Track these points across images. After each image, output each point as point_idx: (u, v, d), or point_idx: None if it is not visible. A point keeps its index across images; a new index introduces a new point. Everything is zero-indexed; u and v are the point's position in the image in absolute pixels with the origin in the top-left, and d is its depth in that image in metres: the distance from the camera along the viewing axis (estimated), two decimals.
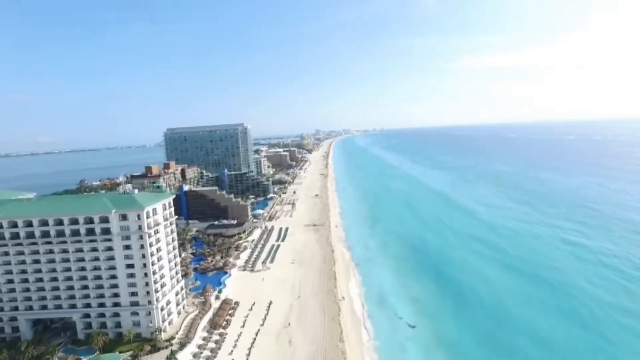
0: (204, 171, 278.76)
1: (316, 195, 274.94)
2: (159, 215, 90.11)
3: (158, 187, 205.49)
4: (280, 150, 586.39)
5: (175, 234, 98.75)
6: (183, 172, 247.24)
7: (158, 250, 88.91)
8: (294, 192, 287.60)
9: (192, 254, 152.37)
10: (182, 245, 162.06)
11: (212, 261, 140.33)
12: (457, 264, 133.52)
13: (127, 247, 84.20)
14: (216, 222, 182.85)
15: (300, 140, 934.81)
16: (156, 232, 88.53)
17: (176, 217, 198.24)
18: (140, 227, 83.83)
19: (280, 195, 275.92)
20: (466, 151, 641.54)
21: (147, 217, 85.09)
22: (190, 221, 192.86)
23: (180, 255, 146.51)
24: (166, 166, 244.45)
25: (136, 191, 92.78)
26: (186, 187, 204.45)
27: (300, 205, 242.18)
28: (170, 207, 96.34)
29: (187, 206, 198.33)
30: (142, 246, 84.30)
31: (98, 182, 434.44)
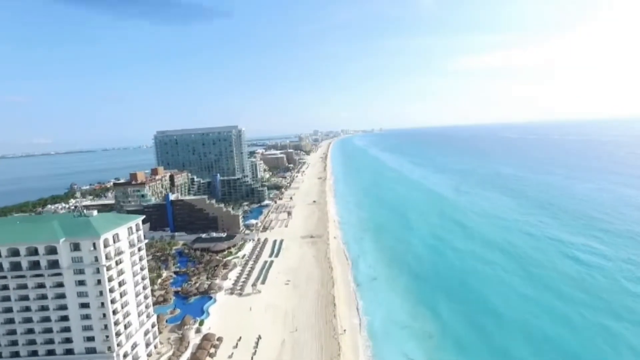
0: (195, 177, 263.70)
1: (314, 201, 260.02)
2: (122, 242, 75.00)
3: (142, 195, 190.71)
4: (277, 152, 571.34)
5: (145, 262, 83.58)
6: (172, 178, 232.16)
7: (121, 284, 73.83)
8: (291, 198, 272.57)
9: (175, 272, 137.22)
10: (165, 262, 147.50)
11: (196, 283, 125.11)
12: (471, 287, 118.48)
13: (81, 282, 69.19)
14: (204, 235, 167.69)
15: (298, 142, 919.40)
16: (119, 262, 73.45)
17: (162, 229, 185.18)
18: (96, 259, 68.79)
19: (275, 202, 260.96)
20: (467, 152, 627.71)
21: (106, 245, 70.06)
22: (176, 233, 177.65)
23: (161, 276, 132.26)
24: (154, 172, 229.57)
25: (95, 212, 77.57)
26: (172, 196, 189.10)
27: (296, 213, 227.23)
28: (138, 230, 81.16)
29: (173, 217, 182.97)
30: (99, 281, 69.25)
31: (87, 187, 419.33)
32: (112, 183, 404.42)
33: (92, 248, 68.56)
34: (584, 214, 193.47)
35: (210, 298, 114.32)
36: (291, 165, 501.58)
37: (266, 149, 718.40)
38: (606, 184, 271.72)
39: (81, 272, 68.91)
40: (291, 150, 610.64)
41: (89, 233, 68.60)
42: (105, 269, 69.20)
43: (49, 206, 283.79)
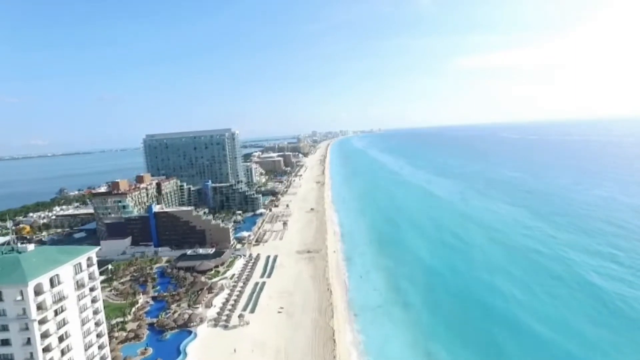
0: (185, 183, 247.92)
1: (311, 209, 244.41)
2: (65, 284, 59.28)
3: (124, 207, 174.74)
4: (274, 155, 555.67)
5: (100, 303, 67.86)
6: (159, 186, 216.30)
7: (62, 338, 58.10)
8: (287, 206, 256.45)
9: (154, 297, 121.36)
10: (144, 283, 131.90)
11: (175, 312, 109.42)
12: (487, 322, 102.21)
13: (4, 342, 53.52)
14: (189, 252, 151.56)
15: (296, 143, 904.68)
16: (59, 311, 57.73)
17: (145, 243, 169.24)
18: (24, 311, 53.09)
19: (271, 210, 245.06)
20: (469, 154, 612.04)
21: (39, 292, 54.39)
22: (160, 249, 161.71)
23: (136, 303, 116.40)
24: (139, 179, 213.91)
25: (31, 246, 61.77)
26: (157, 207, 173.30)
27: (293, 223, 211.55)
28: (90, 265, 65.43)
29: (157, 230, 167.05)
30: (28, 340, 53.55)
31: (76, 192, 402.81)
32: (103, 188, 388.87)
33: (18, 297, 52.88)
34: (596, 227, 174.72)
35: (190, 333, 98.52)
36: (288, 168, 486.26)
37: (263, 151, 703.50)
38: (616, 191, 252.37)
39: (4, 329, 53.22)
40: (289, 153, 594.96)
41: (13, 278, 52.88)
42: (36, 323, 53.47)
43: (31, 214, 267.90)
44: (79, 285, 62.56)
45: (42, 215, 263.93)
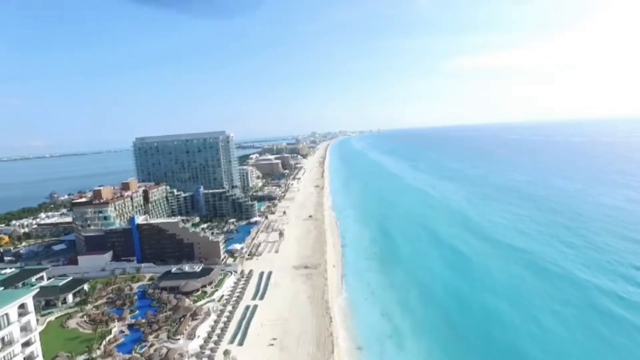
0: (175, 190, 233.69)
1: (310, 216, 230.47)
2: None
3: (105, 218, 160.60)
4: (272, 157, 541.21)
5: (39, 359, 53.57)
6: (146, 193, 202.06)
7: None
8: (284, 213, 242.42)
9: (131, 325, 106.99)
10: (121, 307, 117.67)
11: (152, 344, 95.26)
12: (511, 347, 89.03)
13: None
14: (174, 270, 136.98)
15: (295, 144, 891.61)
16: None
17: (127, 259, 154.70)
18: None
19: (266, 217, 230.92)
20: (471, 156, 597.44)
21: None
22: (143, 265, 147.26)
23: (108, 334, 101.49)
24: (125, 187, 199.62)
25: None
26: (140, 219, 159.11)
27: (290, 231, 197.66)
28: (25, 313, 51.23)
29: (140, 244, 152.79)
30: None
31: (66, 197, 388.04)
32: (91, 192, 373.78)
33: None
34: (613, 243, 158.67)
35: None
36: (287, 171, 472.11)
37: (261, 153, 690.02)
38: (631, 199, 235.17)
39: None
40: (287, 155, 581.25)
41: None
42: None
43: (14, 222, 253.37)
44: (5, 343, 48.40)
45: (26, 222, 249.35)
